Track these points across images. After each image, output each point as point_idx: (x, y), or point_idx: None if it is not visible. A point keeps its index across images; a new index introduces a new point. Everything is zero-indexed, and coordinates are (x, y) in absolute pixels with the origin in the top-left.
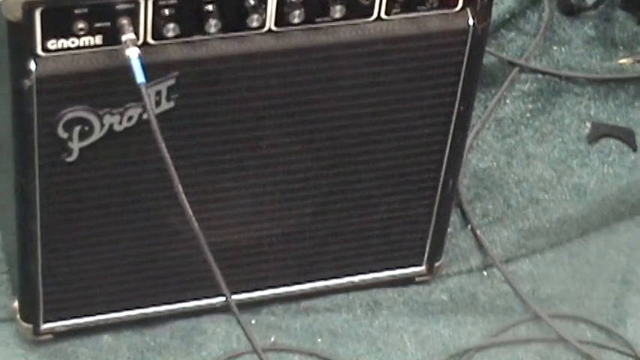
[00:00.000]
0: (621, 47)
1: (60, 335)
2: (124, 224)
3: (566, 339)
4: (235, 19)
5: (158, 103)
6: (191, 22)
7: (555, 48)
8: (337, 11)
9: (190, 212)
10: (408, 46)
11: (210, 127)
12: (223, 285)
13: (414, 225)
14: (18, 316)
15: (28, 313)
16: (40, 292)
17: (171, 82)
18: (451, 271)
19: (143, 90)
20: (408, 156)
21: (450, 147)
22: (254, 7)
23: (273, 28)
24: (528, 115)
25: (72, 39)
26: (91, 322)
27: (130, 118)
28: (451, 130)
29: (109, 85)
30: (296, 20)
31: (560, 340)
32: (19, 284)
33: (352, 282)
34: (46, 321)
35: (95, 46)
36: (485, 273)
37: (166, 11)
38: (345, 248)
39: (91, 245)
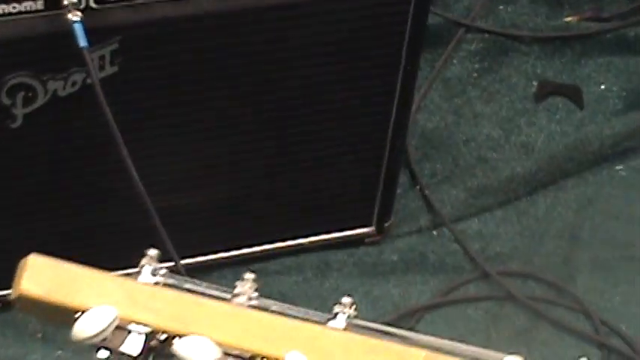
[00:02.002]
0: (566, 5)
1: (10, 304)
2: (70, 189)
3: (516, 296)
4: None
5: (102, 68)
6: None
7: (501, 7)
8: None
9: (137, 177)
10: (353, 5)
11: (155, 91)
12: (172, 249)
13: (363, 186)
14: None
15: None
16: None
17: (115, 46)
18: (401, 231)
19: (86, 54)
20: (354, 117)
21: (397, 107)
22: None
23: None
24: (475, 74)
25: (13, 4)
26: None
27: (73, 84)
28: (397, 91)
29: (51, 50)
30: None
31: (509, 297)
32: None
33: (302, 244)
34: None
35: (37, 11)
36: (434, 232)
37: None
38: (294, 210)
39: (37, 211)
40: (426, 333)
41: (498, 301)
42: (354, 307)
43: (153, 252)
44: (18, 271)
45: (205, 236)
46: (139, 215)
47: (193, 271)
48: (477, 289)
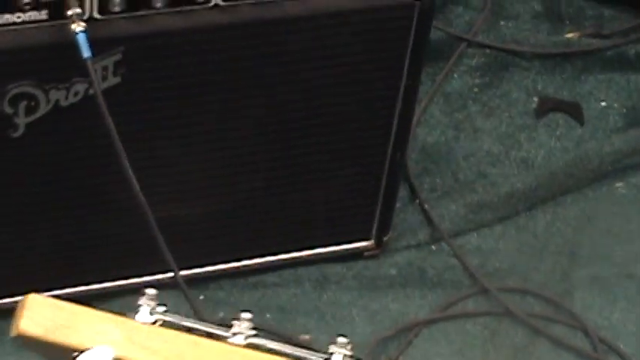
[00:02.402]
0: (568, 22)
1: (6, 312)
2: (71, 200)
3: (514, 312)
4: None
5: (104, 78)
6: None
7: (503, 23)
8: None
9: (137, 187)
10: (355, 20)
11: (157, 103)
12: (171, 260)
13: (362, 199)
14: None
15: None
16: None
17: (118, 57)
18: (399, 245)
19: (89, 65)
20: (355, 130)
21: (398, 121)
22: None
23: (220, 2)
24: (476, 89)
25: (17, 14)
26: None
27: (76, 94)
28: (398, 105)
29: (55, 60)
30: None
31: (507, 313)
32: None
33: (300, 256)
34: None
35: (41, 21)
36: (433, 247)
37: None
38: (293, 222)
39: (37, 221)
40: (424, 348)
41: (497, 316)
42: (349, 346)
43: (151, 291)
44: (17, 310)
45: (204, 247)
46: (139, 225)
47: (191, 283)
48: (475, 305)
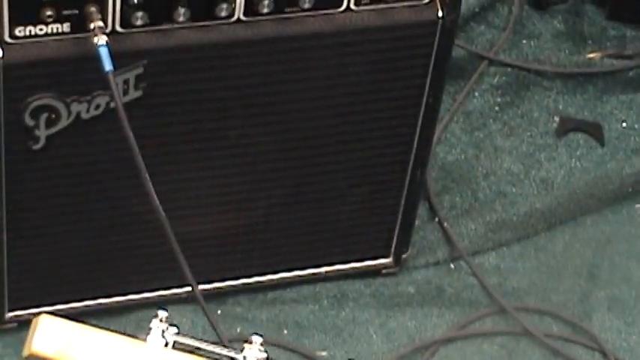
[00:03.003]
0: (590, 41)
1: (25, 324)
2: (90, 213)
3: (532, 332)
4: (204, 8)
5: (126, 92)
6: (160, 10)
7: (524, 42)
8: (306, 1)
9: (157, 201)
10: (377, 37)
11: (177, 117)
12: (189, 275)
13: (382, 217)
14: None
15: None
16: (5, 280)
17: (140, 70)
18: (418, 263)
19: (111, 78)
20: (375, 147)
21: (418, 139)
22: None
23: (242, 17)
24: (497, 108)
25: (40, 26)
26: (56, 311)
27: (97, 107)
28: (419, 123)
29: (76, 73)
30: (265, 10)
31: (526, 333)
32: None
33: (319, 273)
34: (10, 309)
35: (63, 33)
36: (452, 265)
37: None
38: (312, 239)
39: (57, 233)
40: None
41: (514, 336)
42: None
43: (162, 313)
44: (30, 330)
45: (222, 262)
46: (158, 239)
47: (209, 298)
48: (493, 324)
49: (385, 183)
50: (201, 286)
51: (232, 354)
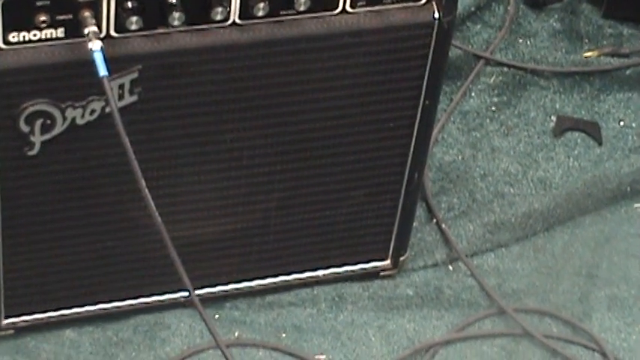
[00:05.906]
0: (586, 40)
1: (22, 330)
2: (86, 218)
3: (532, 333)
4: (199, 11)
5: (121, 97)
6: (154, 14)
7: (521, 41)
8: (302, 4)
9: (153, 206)
10: (373, 39)
11: (173, 121)
12: (186, 279)
13: (379, 219)
14: None
15: None
16: (1, 286)
17: (134, 75)
18: (416, 265)
19: (106, 83)
20: (373, 149)
21: (415, 140)
22: None
23: (238, 21)
24: (494, 108)
25: (34, 31)
26: (53, 317)
27: (92, 112)
28: (416, 124)
29: (71, 78)
30: (260, 13)
31: (525, 334)
32: None
33: (317, 276)
34: (7, 316)
35: (57, 38)
36: (450, 267)
37: (129, 4)
38: (310, 242)
39: (53, 239)
40: None
41: (514, 337)
42: None
43: None
44: None
45: (220, 266)
46: (155, 244)
47: (207, 302)
48: (492, 326)
49: (383, 185)
50: (199, 291)
51: None
